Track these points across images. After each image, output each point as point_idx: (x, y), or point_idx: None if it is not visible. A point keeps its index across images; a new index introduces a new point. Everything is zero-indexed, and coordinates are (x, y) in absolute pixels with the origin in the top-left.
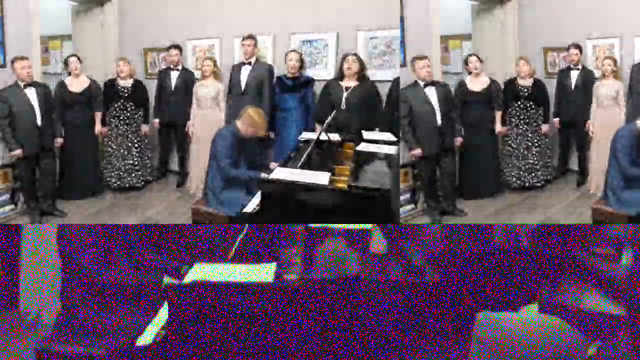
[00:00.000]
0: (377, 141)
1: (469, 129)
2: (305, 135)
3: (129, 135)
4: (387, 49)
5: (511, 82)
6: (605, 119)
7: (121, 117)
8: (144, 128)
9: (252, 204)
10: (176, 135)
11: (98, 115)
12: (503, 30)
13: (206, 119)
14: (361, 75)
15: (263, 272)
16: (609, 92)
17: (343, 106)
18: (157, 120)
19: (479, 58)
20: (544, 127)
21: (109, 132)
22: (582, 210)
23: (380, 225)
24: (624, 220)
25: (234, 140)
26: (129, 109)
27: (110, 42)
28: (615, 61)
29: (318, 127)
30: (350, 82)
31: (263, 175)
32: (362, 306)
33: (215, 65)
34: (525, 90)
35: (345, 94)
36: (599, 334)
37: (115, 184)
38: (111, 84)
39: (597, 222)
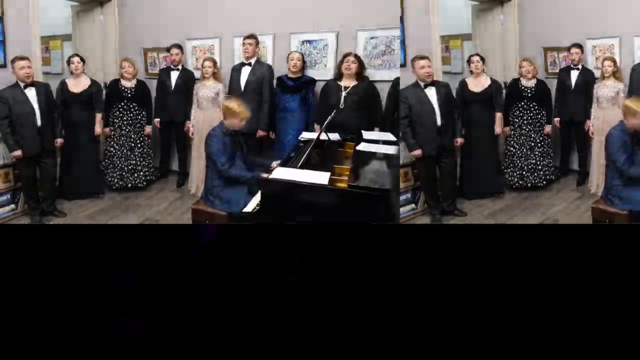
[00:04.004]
0: (377, 141)
1: (469, 129)
2: (305, 135)
3: (132, 136)
4: (387, 49)
5: (514, 83)
6: (606, 119)
7: (124, 118)
8: (147, 129)
9: (252, 204)
10: (176, 135)
11: (98, 116)
12: (503, 30)
13: (207, 119)
14: (360, 75)
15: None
16: (609, 93)
17: (342, 106)
18: (157, 120)
19: (481, 58)
20: (547, 128)
21: (112, 132)
22: (582, 210)
23: (380, 225)
24: (624, 220)
25: (225, 137)
26: (132, 110)
27: (111, 42)
28: (615, 62)
29: (317, 128)
30: (349, 82)
31: (263, 175)
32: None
33: (215, 65)
34: (529, 90)
35: (344, 94)
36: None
37: (117, 184)
38: (114, 84)
39: (597, 222)
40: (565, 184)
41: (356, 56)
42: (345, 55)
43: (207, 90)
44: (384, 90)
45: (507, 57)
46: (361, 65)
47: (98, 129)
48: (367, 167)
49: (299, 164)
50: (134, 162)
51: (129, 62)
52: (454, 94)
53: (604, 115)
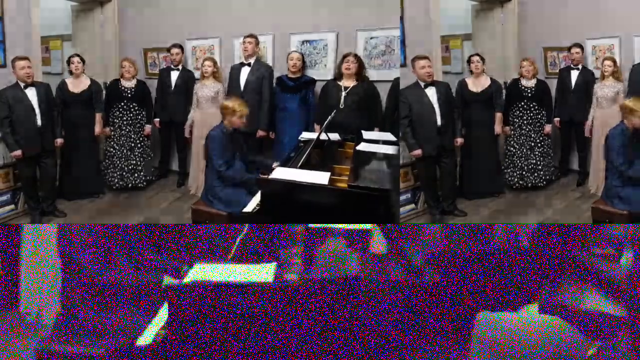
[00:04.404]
0: (377, 141)
1: (469, 129)
2: (305, 135)
3: (132, 136)
4: (387, 49)
5: (514, 83)
6: (605, 119)
7: (124, 118)
8: (147, 129)
9: (252, 204)
10: (176, 135)
11: (98, 116)
12: (503, 30)
13: (206, 119)
14: (360, 75)
15: (263, 272)
16: (609, 93)
17: (342, 106)
18: (157, 120)
19: (481, 58)
20: (547, 128)
21: (112, 132)
22: (582, 210)
23: (380, 225)
24: (624, 220)
25: (225, 138)
26: (132, 110)
27: (111, 42)
28: (614, 62)
29: (317, 128)
30: (349, 82)
31: (261, 176)
32: (362, 306)
33: (215, 65)
34: (529, 90)
35: (344, 94)
36: (599, 334)
37: (117, 184)
38: (114, 84)
39: (597, 222)
40: (565, 184)
41: (356, 56)
42: (345, 56)
43: (207, 90)
44: (384, 90)
45: (507, 57)
46: (361, 66)
47: (98, 128)
48: (367, 167)
49: (299, 164)
50: (134, 162)
51: (129, 62)
52: (454, 94)
53: (604, 115)
